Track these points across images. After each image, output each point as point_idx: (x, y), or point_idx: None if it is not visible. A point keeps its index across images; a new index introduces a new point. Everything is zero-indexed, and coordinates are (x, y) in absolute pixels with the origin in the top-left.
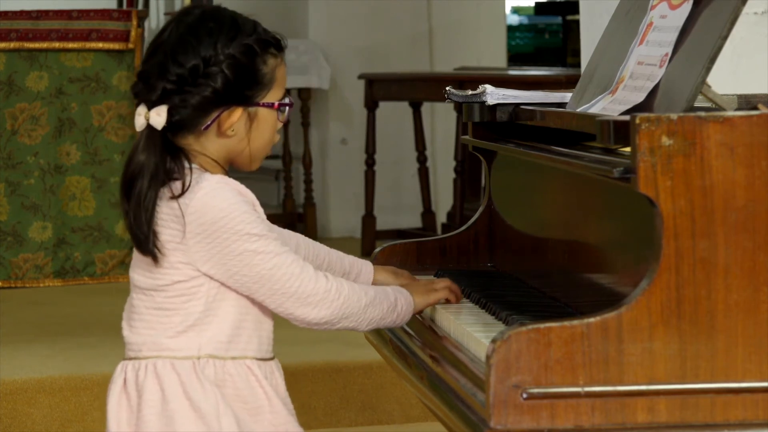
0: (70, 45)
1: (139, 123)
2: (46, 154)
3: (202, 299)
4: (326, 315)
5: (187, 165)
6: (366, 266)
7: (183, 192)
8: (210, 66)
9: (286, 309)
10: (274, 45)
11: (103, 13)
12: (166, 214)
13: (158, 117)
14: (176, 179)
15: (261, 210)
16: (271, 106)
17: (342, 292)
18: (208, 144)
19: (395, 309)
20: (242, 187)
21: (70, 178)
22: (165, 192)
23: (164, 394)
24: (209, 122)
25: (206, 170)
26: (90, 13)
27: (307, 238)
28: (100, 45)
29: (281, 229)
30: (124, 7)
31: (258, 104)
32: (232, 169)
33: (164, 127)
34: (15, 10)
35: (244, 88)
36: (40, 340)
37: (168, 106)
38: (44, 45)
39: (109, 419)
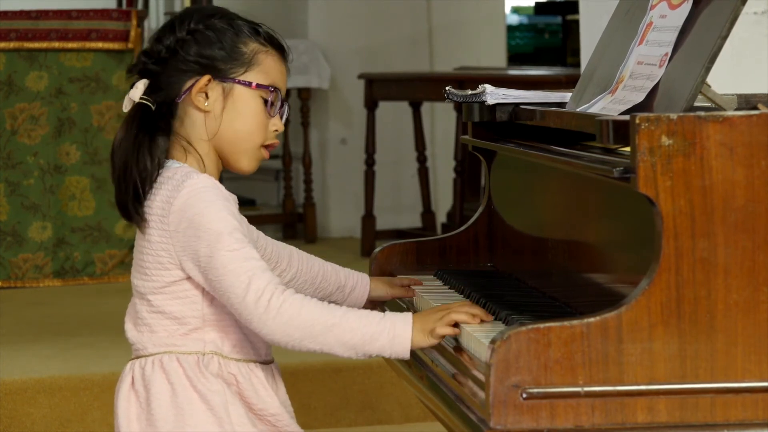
0: (70, 45)
1: (126, 102)
2: (46, 154)
3: (198, 304)
4: (273, 332)
5: (164, 158)
6: (362, 279)
7: (151, 188)
8: (186, 36)
9: (245, 322)
10: (266, 38)
11: (102, 13)
12: (156, 214)
13: (136, 89)
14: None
15: (243, 218)
16: (247, 84)
17: (286, 311)
18: (192, 127)
19: (378, 339)
20: (227, 192)
21: (69, 178)
22: (153, 190)
23: (173, 387)
24: (183, 91)
25: (194, 168)
26: (90, 13)
27: (302, 252)
28: (99, 45)
29: (275, 241)
30: (124, 7)
31: (232, 80)
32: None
33: (150, 111)
34: (15, 10)
35: (216, 59)
36: (40, 340)
37: (148, 81)
38: (44, 45)
39: (119, 418)
